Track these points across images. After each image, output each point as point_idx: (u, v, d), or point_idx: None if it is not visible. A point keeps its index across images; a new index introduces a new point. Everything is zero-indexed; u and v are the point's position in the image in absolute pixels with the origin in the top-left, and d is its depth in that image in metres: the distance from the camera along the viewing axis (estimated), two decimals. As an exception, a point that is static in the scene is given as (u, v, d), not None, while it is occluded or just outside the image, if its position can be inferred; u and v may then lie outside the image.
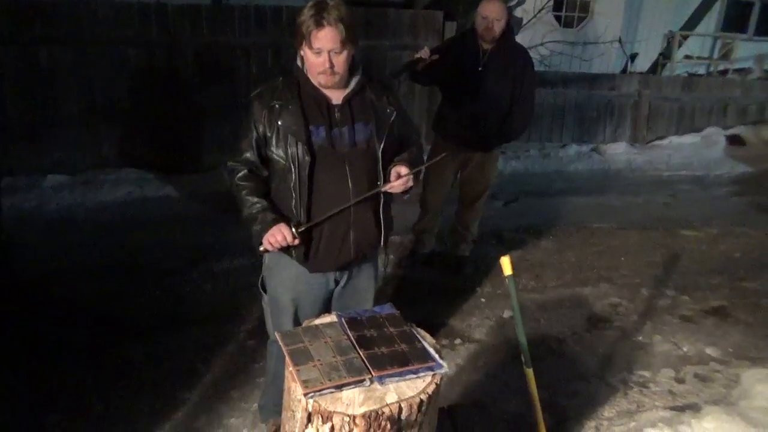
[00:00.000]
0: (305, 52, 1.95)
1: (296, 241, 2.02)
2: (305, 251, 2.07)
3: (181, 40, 5.61)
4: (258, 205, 2.03)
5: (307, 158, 1.94)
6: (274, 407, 2.39)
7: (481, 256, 4.43)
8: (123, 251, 4.21)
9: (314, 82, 1.99)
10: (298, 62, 2.03)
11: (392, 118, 2.06)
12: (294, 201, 2.00)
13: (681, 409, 2.85)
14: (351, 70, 2.01)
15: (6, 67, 5.11)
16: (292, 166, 1.96)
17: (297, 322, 2.16)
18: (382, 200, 2.09)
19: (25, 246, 3.99)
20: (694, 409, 2.82)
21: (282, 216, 2.04)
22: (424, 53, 3.59)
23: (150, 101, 5.62)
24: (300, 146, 1.94)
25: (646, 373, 3.21)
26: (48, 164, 5.34)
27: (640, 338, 3.57)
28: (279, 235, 1.99)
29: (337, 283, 2.19)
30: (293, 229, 2.01)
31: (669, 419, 2.71)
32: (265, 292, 2.27)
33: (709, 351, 3.45)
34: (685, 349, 3.47)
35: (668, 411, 2.83)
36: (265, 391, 2.57)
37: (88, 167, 5.47)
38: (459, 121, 3.74)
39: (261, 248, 2.07)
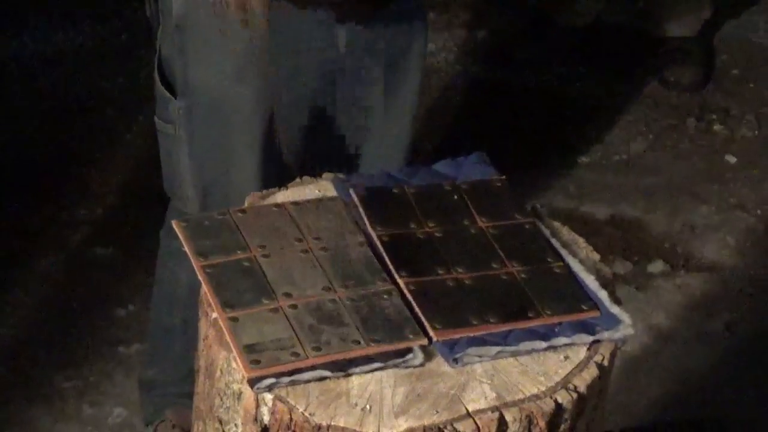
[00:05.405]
0: None
1: None
2: None
3: None
4: None
5: None
6: (172, 386, 1.26)
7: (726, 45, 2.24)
8: None
9: None
10: None
11: None
12: None
13: None
14: None
15: None
16: None
17: (269, 148, 1.09)
18: None
19: None
20: None
21: None
22: None
23: None
24: None
25: None
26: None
27: None
28: None
29: (351, 44, 1.11)
30: None
31: None
32: (173, 93, 1.11)
33: None
34: None
35: None
36: (153, 347, 1.32)
37: None
38: None
39: None
